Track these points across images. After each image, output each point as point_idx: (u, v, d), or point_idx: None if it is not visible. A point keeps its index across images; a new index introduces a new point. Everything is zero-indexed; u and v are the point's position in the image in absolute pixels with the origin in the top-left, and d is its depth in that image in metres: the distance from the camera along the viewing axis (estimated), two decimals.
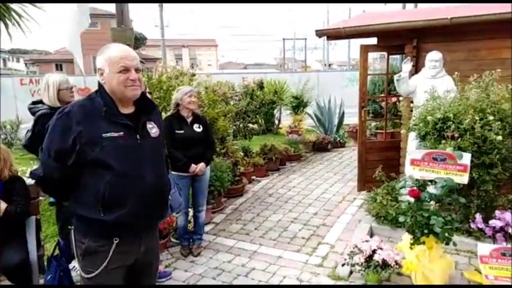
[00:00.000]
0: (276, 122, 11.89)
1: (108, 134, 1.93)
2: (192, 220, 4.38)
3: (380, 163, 5.01)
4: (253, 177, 6.82)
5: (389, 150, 5.87)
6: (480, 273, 3.16)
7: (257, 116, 7.62)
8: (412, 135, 4.42)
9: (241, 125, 7.04)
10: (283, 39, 38.27)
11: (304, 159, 8.47)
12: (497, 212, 3.13)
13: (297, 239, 4.50)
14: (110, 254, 1.99)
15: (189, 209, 4.33)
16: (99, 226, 1.96)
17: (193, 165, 3.95)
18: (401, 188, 3.36)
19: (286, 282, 3.58)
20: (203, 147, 4.06)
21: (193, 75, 5.07)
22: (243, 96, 6.99)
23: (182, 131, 3.93)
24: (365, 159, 5.88)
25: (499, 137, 3.58)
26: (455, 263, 3.75)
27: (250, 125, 7.31)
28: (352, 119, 10.10)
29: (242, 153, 6.39)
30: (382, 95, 8.50)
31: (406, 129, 4.43)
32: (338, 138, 9.80)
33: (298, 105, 9.76)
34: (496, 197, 3.82)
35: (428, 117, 3.93)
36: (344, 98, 10.33)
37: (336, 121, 10.31)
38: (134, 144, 2.01)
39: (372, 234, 4.52)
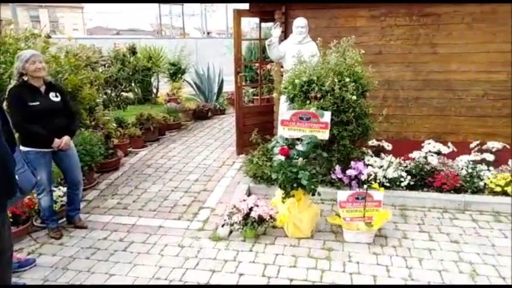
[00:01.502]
0: (154, 90, 11.39)
1: None
2: (58, 199, 3.97)
3: (256, 127, 5.23)
4: (130, 149, 6.48)
5: (264, 115, 6.15)
6: (340, 216, 3.60)
7: (131, 84, 7.13)
8: (283, 98, 4.68)
9: (113, 94, 6.51)
10: (159, 3, 36.22)
11: (184, 127, 8.34)
12: (352, 163, 3.56)
13: (178, 207, 4.46)
14: None
15: (55, 188, 3.91)
16: None
17: (56, 139, 3.53)
18: (273, 147, 3.56)
19: (167, 249, 3.54)
20: (66, 118, 3.65)
21: (49, 37, 4.43)
22: (114, 62, 6.44)
23: (37, 103, 3.44)
24: (242, 124, 6.05)
25: (354, 97, 4.02)
26: (320, 211, 4.19)
27: (124, 94, 6.81)
28: (231, 86, 10.21)
29: (115, 125, 5.96)
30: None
31: (277, 93, 4.67)
32: (218, 106, 9.89)
33: (176, 72, 9.48)
34: (352, 150, 4.33)
35: (296, 81, 4.19)
36: (223, 66, 10.37)
37: (215, 89, 10.35)
38: None
39: (249, 194, 4.74)
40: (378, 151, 5.05)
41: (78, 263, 3.35)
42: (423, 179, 4.47)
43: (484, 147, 4.87)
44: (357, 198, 3.52)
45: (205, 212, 4.32)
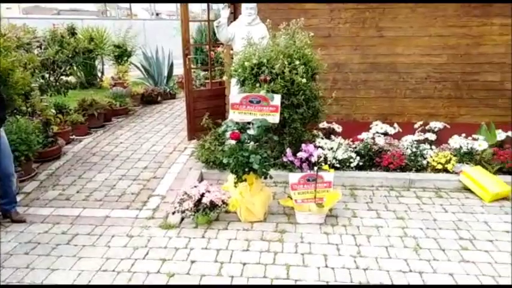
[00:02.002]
0: (99, 74, 10.80)
1: None
2: None
3: (208, 111, 5.10)
4: (73, 136, 6.10)
5: (216, 98, 6.02)
6: (291, 199, 3.62)
7: (71, 66, 6.65)
8: (234, 81, 4.58)
9: (51, 78, 6.04)
10: None
11: (132, 113, 8.00)
12: (303, 145, 3.56)
13: (126, 195, 4.27)
14: None
15: None
16: None
17: None
18: (223, 132, 3.47)
19: (114, 240, 3.38)
20: None
21: None
22: (50, 44, 5.95)
23: None
24: (193, 108, 5.89)
25: (304, 80, 4.02)
26: (274, 194, 4.20)
27: (64, 78, 6.34)
28: (182, 69, 9.94)
29: (54, 111, 5.57)
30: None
31: (227, 76, 4.56)
32: (168, 90, 9.58)
33: (121, 55, 9.02)
34: (303, 133, 4.36)
35: (246, 63, 4.11)
36: (172, 48, 10.00)
37: (165, 72, 9.99)
38: None
39: (202, 180, 4.65)
40: (328, 133, 5.14)
41: (15, 260, 3.11)
42: (371, 159, 4.61)
43: (427, 127, 5.11)
44: (308, 180, 3.55)
45: (155, 200, 4.17)
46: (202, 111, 5.37)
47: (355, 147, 4.67)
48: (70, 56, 6.07)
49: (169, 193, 4.30)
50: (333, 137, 4.95)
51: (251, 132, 3.40)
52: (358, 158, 4.55)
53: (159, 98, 9.25)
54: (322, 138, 4.81)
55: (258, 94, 3.50)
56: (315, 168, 3.50)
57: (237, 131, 3.50)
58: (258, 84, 3.87)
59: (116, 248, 3.28)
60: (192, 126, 5.90)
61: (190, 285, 2.69)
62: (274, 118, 3.50)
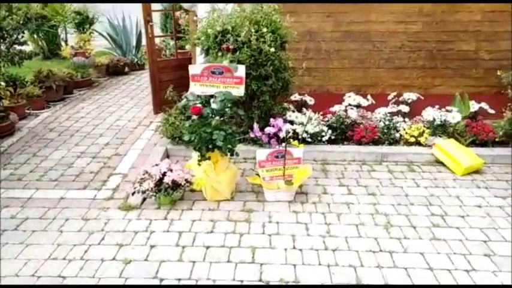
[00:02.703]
0: (63, 44, 10.11)
1: None
2: None
3: (174, 83, 4.78)
4: (29, 111, 5.67)
5: (183, 69, 5.50)
6: (260, 176, 3.42)
7: (24, 34, 6.09)
8: (198, 50, 4.26)
9: (2, 47, 5.51)
10: None
11: (97, 85, 7.54)
12: (271, 120, 3.34)
13: (84, 174, 3.98)
14: None
15: None
16: None
17: None
18: (183, 106, 3.19)
19: (68, 224, 3.13)
20: None
21: None
22: None
23: None
24: (158, 80, 5.53)
25: (272, 49, 3.74)
26: (242, 170, 4.01)
27: (18, 47, 5.81)
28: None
29: (3, 83, 5.11)
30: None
31: (191, 44, 4.22)
32: (136, 60, 9.09)
33: (83, 22, 8.40)
34: (273, 106, 4.13)
35: (209, 31, 3.78)
36: (140, 16, 9.39)
37: (134, 41, 9.47)
38: None
39: (168, 156, 4.40)
40: (300, 106, 4.92)
41: None
42: (344, 133, 4.45)
43: (401, 98, 4.96)
44: (277, 157, 3.35)
45: (115, 179, 3.91)
46: (169, 82, 5.03)
47: (328, 121, 4.48)
48: (21, 22, 5.52)
49: (131, 171, 4.03)
50: (304, 110, 4.74)
51: (213, 106, 3.13)
52: (330, 131, 4.38)
53: (127, 69, 8.77)
54: (294, 112, 4.59)
55: (220, 64, 3.21)
56: (283, 144, 3.29)
57: (199, 105, 3.23)
58: (220, 54, 3.57)
59: (69, 232, 3.04)
60: (158, 99, 5.56)
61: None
62: (239, 90, 3.23)
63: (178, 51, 6.35)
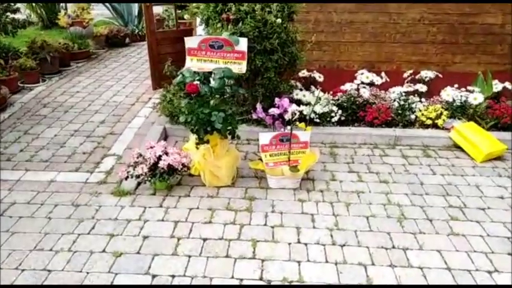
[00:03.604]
0: (63, 12, 9.70)
1: None
2: None
3: (174, 56, 4.46)
4: (23, 84, 5.40)
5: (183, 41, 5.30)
6: (263, 161, 3.16)
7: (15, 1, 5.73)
8: (198, 20, 3.90)
9: None
10: None
11: (95, 57, 7.22)
12: (276, 100, 3.03)
13: (76, 155, 3.75)
14: None
15: None
16: None
17: None
18: (179, 83, 2.89)
19: (57, 211, 2.92)
20: None
21: None
22: None
23: None
24: (157, 53, 5.19)
25: (279, 20, 3.38)
26: (245, 153, 3.75)
27: (11, 15, 5.47)
28: (157, 8, 9.00)
29: None
30: None
31: (189, 14, 3.86)
32: (137, 31, 8.69)
33: None
34: (278, 84, 3.80)
35: None
36: None
37: (136, 10, 9.05)
38: None
39: (166, 137, 4.14)
40: (309, 83, 4.58)
41: None
42: (355, 113, 4.14)
43: (417, 76, 4.60)
44: (281, 141, 3.07)
45: (109, 160, 3.67)
46: (168, 56, 4.71)
47: (338, 100, 4.16)
48: None
49: (126, 152, 3.78)
50: (312, 87, 4.40)
51: (212, 84, 2.83)
52: (340, 111, 4.07)
53: (127, 40, 8.40)
54: (301, 90, 4.27)
55: (219, 37, 2.86)
56: (288, 127, 3.00)
57: (196, 82, 2.93)
58: (220, 25, 3.22)
59: (57, 220, 2.83)
60: (157, 73, 5.25)
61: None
62: (241, 67, 2.90)
63: (181, 21, 5.97)
